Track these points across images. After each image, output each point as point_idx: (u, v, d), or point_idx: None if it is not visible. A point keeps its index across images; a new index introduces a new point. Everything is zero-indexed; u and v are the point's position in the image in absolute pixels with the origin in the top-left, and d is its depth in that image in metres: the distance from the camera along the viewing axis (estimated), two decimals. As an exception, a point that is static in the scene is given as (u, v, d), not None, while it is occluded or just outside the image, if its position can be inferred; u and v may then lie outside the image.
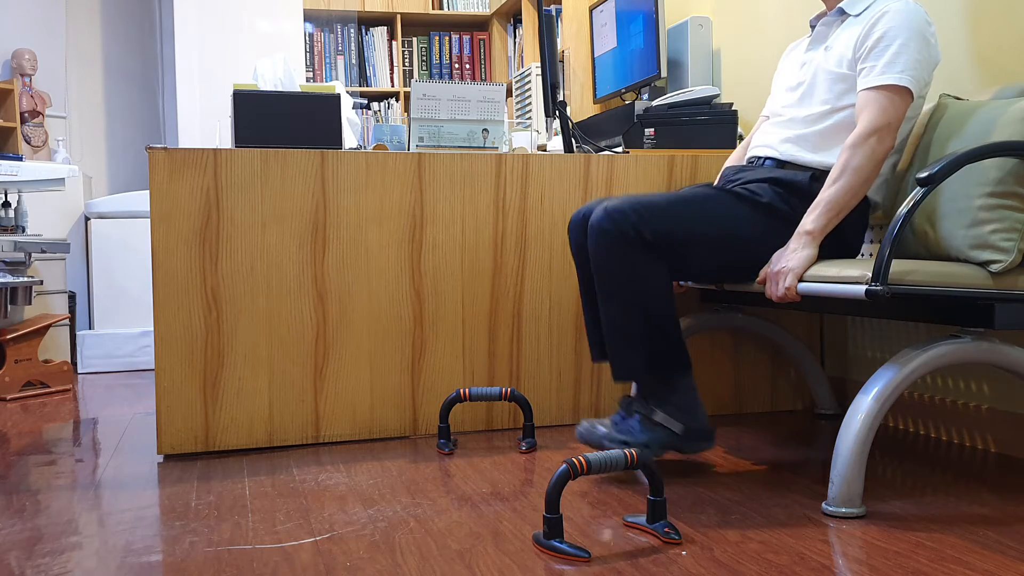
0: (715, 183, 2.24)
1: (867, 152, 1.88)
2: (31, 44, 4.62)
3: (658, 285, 1.94)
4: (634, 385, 2.03)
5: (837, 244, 1.98)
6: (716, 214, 2.00)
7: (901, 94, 1.90)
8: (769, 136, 2.14)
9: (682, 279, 2.09)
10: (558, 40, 3.85)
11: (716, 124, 2.82)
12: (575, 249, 2.15)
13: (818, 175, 2.00)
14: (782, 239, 1.98)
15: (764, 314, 2.68)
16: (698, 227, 1.97)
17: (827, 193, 1.90)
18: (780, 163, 2.08)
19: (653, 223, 1.92)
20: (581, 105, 3.86)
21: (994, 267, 1.75)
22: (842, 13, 2.07)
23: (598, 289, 1.98)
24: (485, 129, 2.57)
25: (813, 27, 2.18)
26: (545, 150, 3.19)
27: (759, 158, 2.14)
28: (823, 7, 2.15)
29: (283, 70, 2.68)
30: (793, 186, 2.02)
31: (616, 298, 1.93)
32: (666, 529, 1.55)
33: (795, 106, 2.11)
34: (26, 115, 4.48)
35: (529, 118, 3.89)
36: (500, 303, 2.49)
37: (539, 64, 3.56)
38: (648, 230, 1.91)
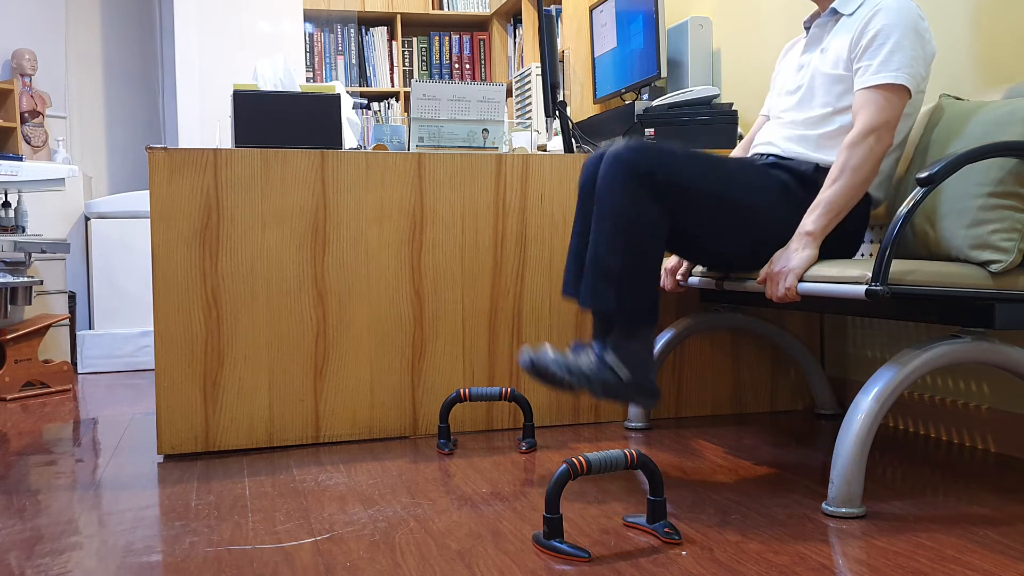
0: None
1: (865, 151, 1.88)
2: (31, 44, 4.61)
3: (654, 231, 1.89)
4: (594, 328, 1.98)
5: (837, 242, 1.98)
6: (737, 179, 1.97)
7: (898, 92, 1.90)
8: (772, 134, 2.15)
9: (681, 247, 2.04)
10: (558, 40, 3.85)
11: (716, 124, 2.82)
12: (584, 183, 2.06)
13: (821, 168, 2.00)
14: (790, 224, 1.96)
15: (764, 314, 2.68)
16: (714, 186, 1.94)
17: (827, 193, 1.90)
18: (783, 159, 2.08)
19: (671, 168, 1.88)
20: (581, 105, 3.86)
21: (994, 267, 1.75)
22: (835, 13, 2.07)
23: (595, 218, 1.92)
24: (485, 129, 2.57)
25: (807, 28, 2.18)
26: (545, 150, 3.19)
27: (762, 155, 2.14)
28: (817, 7, 2.15)
29: (283, 70, 2.68)
30: (800, 175, 2.01)
31: (610, 229, 1.88)
32: (666, 529, 1.55)
33: (794, 109, 2.11)
34: (26, 115, 4.48)
35: (529, 118, 3.89)
36: (500, 303, 2.49)
37: (539, 64, 3.56)
38: (663, 173, 1.88)
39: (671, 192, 1.89)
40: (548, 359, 1.87)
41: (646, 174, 1.87)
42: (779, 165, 2.05)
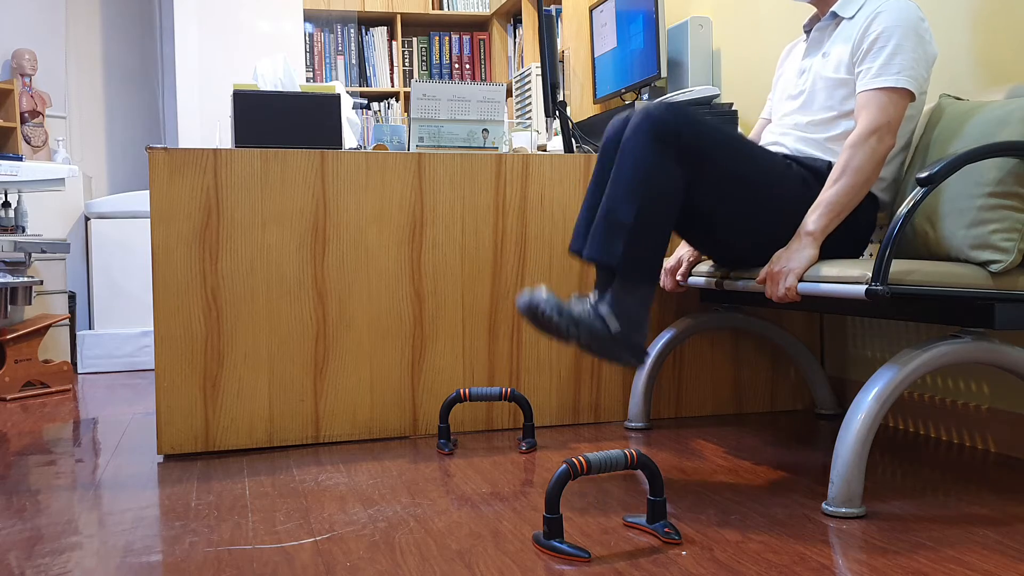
0: None
1: (868, 152, 1.88)
2: (31, 44, 4.61)
3: (671, 191, 1.87)
4: (596, 282, 1.96)
5: (844, 243, 1.98)
6: (760, 161, 1.96)
7: (900, 94, 1.90)
8: (778, 136, 2.14)
9: (691, 228, 2.02)
10: (558, 40, 3.85)
11: (716, 124, 2.82)
12: (607, 141, 2.03)
13: (831, 166, 2.00)
14: (802, 216, 1.95)
15: (764, 314, 2.68)
16: (736, 162, 1.93)
17: (828, 193, 1.90)
18: (794, 157, 2.07)
19: (697, 133, 1.87)
20: (581, 105, 3.86)
21: (994, 267, 1.76)
22: (835, 17, 2.07)
23: (615, 170, 1.90)
24: (485, 129, 2.57)
25: (807, 32, 2.18)
26: (545, 150, 3.19)
27: None
28: (816, 10, 2.15)
29: (283, 70, 2.68)
30: (815, 171, 2.01)
31: (628, 180, 1.87)
32: (666, 529, 1.55)
33: (797, 113, 2.11)
34: (26, 115, 4.48)
35: (529, 118, 3.89)
36: (500, 303, 2.49)
37: (539, 64, 3.56)
38: (689, 135, 1.86)
39: (694, 157, 1.88)
40: (541, 299, 1.83)
41: (673, 133, 1.85)
42: (796, 160, 2.04)
